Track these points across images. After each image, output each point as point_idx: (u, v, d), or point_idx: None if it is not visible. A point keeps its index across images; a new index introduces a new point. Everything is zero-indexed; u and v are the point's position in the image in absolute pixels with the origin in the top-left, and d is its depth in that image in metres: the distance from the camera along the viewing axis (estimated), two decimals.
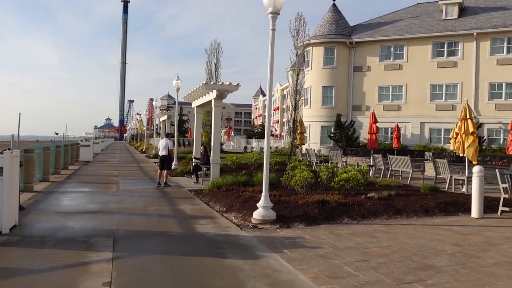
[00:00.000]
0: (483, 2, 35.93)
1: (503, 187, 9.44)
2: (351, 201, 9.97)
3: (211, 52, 33.49)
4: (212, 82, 14.30)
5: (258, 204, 8.84)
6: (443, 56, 33.19)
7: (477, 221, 8.80)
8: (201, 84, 14.75)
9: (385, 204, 9.89)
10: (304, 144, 24.68)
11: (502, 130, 31.15)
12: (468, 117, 13.06)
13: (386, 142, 33.06)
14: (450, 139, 26.25)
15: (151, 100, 79.82)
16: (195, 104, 18.24)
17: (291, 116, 18.17)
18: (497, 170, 9.64)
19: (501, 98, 31.44)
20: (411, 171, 15.21)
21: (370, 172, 15.14)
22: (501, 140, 31.20)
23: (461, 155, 13.21)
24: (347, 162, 21.32)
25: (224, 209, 10.26)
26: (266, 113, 8.88)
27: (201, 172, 15.73)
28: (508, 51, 31.35)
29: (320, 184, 12.77)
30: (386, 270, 5.57)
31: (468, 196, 11.21)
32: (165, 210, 10.27)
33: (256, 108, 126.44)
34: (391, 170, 16.52)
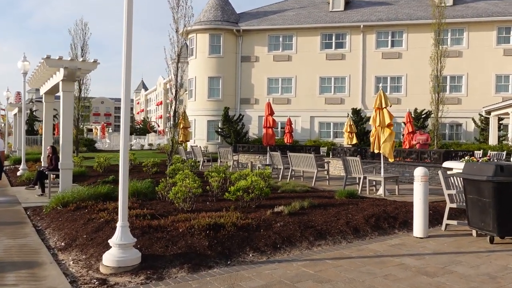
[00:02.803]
0: None
1: (448, 194, 7.22)
2: (255, 222, 6.99)
3: (76, 33, 28.45)
4: (58, 57, 10.30)
5: (111, 242, 5.38)
6: (332, 48, 32.39)
7: (427, 245, 6.39)
8: (41, 60, 10.60)
9: (300, 223, 7.10)
10: (188, 141, 21.38)
11: None
12: (384, 106, 10.97)
13: (276, 137, 31.18)
14: (344, 133, 25.23)
15: (18, 93, 69.56)
16: (43, 90, 13.83)
17: (171, 107, 14.71)
18: (440, 172, 7.42)
19: (386, 91, 31.49)
20: (315, 171, 12.85)
21: None
22: None
23: (376, 151, 11.08)
24: (239, 161, 18.54)
25: (63, 243, 6.59)
26: (122, 90, 5.42)
27: (48, 181, 11.57)
28: (392, 45, 31.54)
29: (210, 194, 9.63)
30: None
31: (395, 204, 9.00)
32: None
33: (138, 103, 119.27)
34: (292, 169, 14.05)
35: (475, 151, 16.72)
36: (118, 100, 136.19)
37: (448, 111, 27.97)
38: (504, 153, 16.78)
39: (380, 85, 12.11)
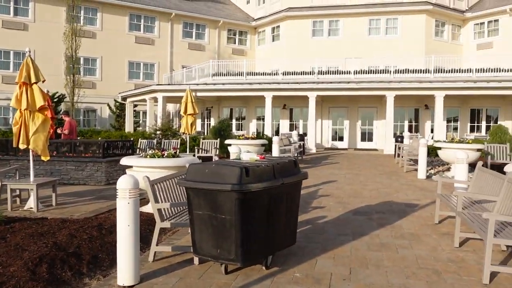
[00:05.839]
0: None
1: (158, 210, 4.98)
2: None
3: None
4: None
5: None
6: (140, 30, 29.58)
7: None
8: None
9: None
10: None
11: None
12: (34, 80, 7.57)
13: None
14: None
15: None
16: None
17: None
18: (145, 178, 5.01)
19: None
20: None
21: None
22: None
23: (21, 146, 7.57)
24: None
25: None
26: None
27: None
28: (197, 37, 31.55)
29: None
30: None
31: (67, 226, 6.04)
32: None
33: None
34: None
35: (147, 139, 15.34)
36: None
37: (85, 96, 25.88)
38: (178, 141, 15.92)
39: (27, 50, 8.32)
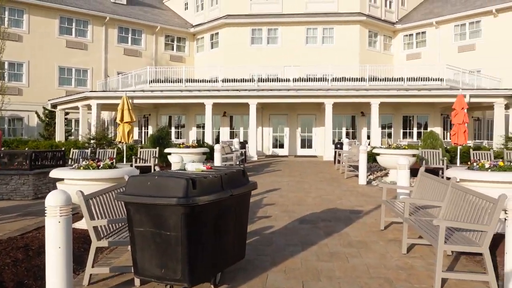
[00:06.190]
0: None
1: (94, 227, 4.51)
2: None
3: None
4: None
5: None
6: (72, 34, 27.73)
7: None
8: None
9: None
10: None
11: None
12: None
13: None
14: None
15: None
16: None
17: None
18: (79, 192, 4.52)
19: None
20: None
21: None
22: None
23: None
24: None
25: None
26: None
27: None
28: (133, 42, 30.45)
29: None
30: None
31: None
32: None
33: None
34: None
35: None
36: None
37: (10, 103, 24.08)
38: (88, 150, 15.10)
39: None
